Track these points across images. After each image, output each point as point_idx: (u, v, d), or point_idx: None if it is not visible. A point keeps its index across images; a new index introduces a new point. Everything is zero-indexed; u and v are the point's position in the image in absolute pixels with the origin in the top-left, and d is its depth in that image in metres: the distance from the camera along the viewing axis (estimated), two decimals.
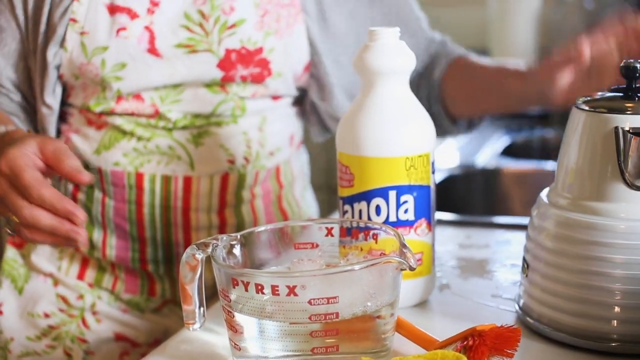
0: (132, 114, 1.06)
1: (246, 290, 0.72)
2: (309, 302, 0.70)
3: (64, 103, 1.09)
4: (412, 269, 0.73)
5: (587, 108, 0.82)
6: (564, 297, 0.82)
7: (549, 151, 1.75)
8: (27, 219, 0.85)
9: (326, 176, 1.73)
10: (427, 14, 1.23)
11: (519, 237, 1.13)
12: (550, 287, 0.83)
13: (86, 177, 0.87)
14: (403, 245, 0.75)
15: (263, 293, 0.71)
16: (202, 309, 0.81)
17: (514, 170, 1.56)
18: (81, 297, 1.13)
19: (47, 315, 1.13)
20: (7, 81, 1.07)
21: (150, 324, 1.14)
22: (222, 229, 1.11)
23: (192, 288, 0.80)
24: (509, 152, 1.72)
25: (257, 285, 0.71)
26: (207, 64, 1.04)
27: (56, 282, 1.13)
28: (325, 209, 1.38)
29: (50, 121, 1.06)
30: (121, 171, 1.08)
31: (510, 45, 2.03)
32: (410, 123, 0.88)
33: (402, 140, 0.87)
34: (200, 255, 0.79)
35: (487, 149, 1.72)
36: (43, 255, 1.13)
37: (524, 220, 1.20)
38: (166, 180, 1.08)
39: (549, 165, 1.59)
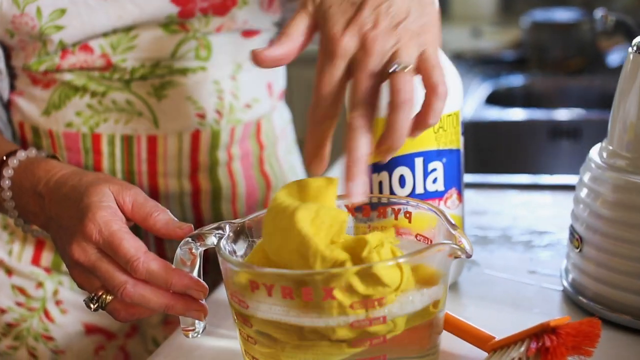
0: (81, 69, 0.91)
1: (269, 294, 0.58)
2: (351, 306, 0.57)
3: (8, 66, 0.93)
4: (469, 255, 0.60)
5: None
6: (625, 274, 0.71)
7: (534, 98, 1.65)
8: (132, 297, 0.69)
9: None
10: None
11: (537, 199, 1.02)
12: (608, 262, 0.71)
13: (185, 230, 0.70)
14: (451, 225, 0.62)
15: (292, 298, 0.57)
16: None
17: (504, 121, 1.44)
18: (40, 285, 0.97)
19: (3, 311, 0.97)
20: None
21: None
22: (195, 196, 0.97)
23: None
24: (492, 100, 1.60)
25: (284, 289, 0.57)
26: None
27: (9, 271, 0.97)
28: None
29: (2, 87, 0.90)
30: (75, 133, 0.92)
31: None
32: None
33: None
34: (198, 250, 0.65)
35: (471, 99, 1.59)
36: None
37: (534, 179, 1.09)
38: (127, 141, 0.93)
39: (538, 114, 1.48)
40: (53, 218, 0.77)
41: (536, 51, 1.83)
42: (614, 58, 1.79)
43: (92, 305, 0.72)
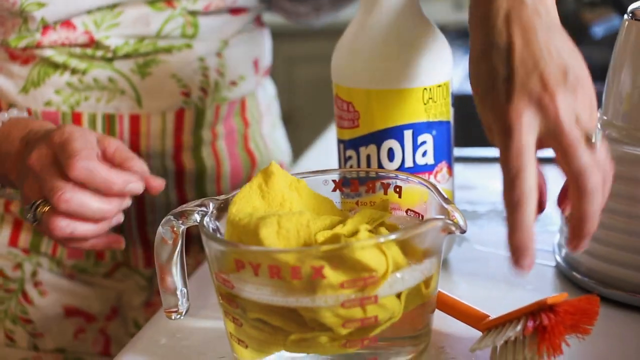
0: (62, 45, 0.87)
1: (256, 274, 0.55)
2: (341, 285, 0.54)
3: None
4: (463, 230, 0.58)
5: None
6: (621, 248, 0.69)
7: None
8: (68, 203, 0.68)
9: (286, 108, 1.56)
10: None
11: None
12: (603, 236, 0.69)
13: (158, 183, 0.73)
14: (444, 199, 0.60)
15: (280, 277, 0.55)
16: (185, 292, 0.65)
17: None
18: (18, 266, 0.94)
19: None
20: None
21: (102, 290, 0.97)
22: (179, 176, 0.94)
23: (171, 268, 0.64)
24: None
25: (271, 267, 0.54)
26: None
27: None
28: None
29: None
30: (54, 112, 0.89)
31: None
32: (427, 45, 0.71)
33: (419, 67, 0.70)
34: (181, 228, 0.63)
35: (454, 72, 1.56)
36: None
37: None
38: (109, 120, 0.90)
39: None
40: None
41: None
42: (598, 30, 1.77)
43: (28, 216, 0.71)
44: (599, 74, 1.38)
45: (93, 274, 0.96)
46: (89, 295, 0.96)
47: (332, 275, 0.54)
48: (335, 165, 0.78)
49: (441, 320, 0.64)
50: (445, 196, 0.60)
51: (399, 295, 0.56)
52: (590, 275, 0.71)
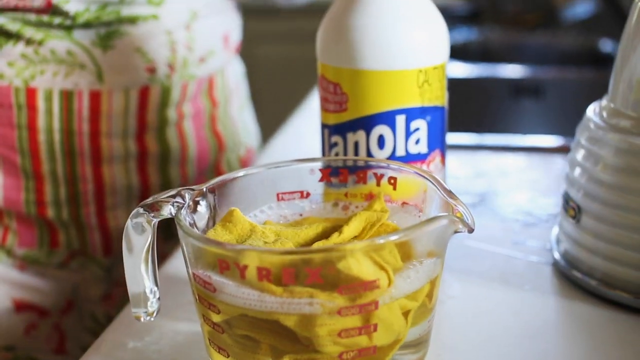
0: (15, 9, 0.79)
1: (243, 277, 0.49)
2: (339, 291, 0.48)
3: None
4: (471, 230, 0.52)
5: None
6: (627, 247, 0.64)
7: (490, 53, 1.58)
8: None
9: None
10: None
11: (510, 162, 0.95)
12: (607, 233, 0.64)
13: None
14: (447, 192, 0.54)
15: (270, 280, 0.48)
16: (155, 291, 0.58)
17: (460, 78, 1.37)
18: None
19: None
20: None
21: (55, 282, 0.90)
22: (142, 159, 0.87)
23: (140, 265, 0.57)
24: (453, 55, 1.52)
25: (260, 270, 0.48)
26: None
27: None
28: None
29: None
30: (6, 86, 0.82)
31: None
32: (423, 23, 0.65)
33: (414, 47, 0.64)
34: (152, 221, 0.56)
35: None
36: None
37: (506, 139, 1.02)
38: (67, 96, 0.82)
39: (495, 70, 1.41)
40: None
41: (490, 4, 1.76)
42: (570, 13, 1.73)
43: None
44: (570, 58, 1.33)
45: (46, 265, 0.89)
46: (41, 288, 0.89)
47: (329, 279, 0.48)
48: (308, 152, 0.71)
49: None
50: (449, 189, 0.55)
51: (405, 314, 0.50)
52: (592, 275, 0.66)
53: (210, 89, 0.92)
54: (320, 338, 0.48)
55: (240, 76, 1.01)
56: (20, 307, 0.88)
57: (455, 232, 0.52)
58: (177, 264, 0.73)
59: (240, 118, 1.00)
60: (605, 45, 1.48)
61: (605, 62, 1.46)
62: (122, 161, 0.86)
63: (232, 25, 0.95)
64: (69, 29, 0.81)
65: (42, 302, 0.89)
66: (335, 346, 0.49)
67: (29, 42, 0.81)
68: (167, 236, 0.90)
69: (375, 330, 0.50)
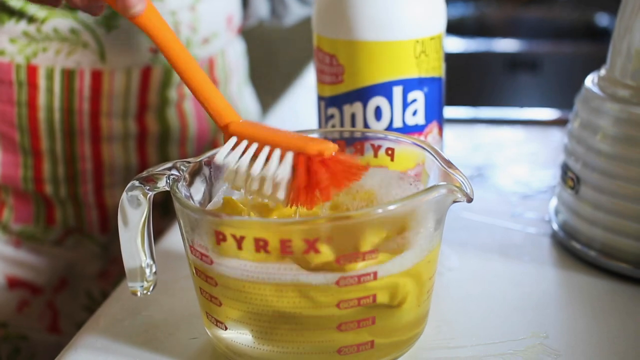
0: None
1: (239, 248, 0.48)
2: (337, 261, 0.48)
3: None
4: (470, 199, 0.52)
5: None
6: (626, 217, 0.63)
7: (486, 28, 1.57)
8: None
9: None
10: None
11: (507, 135, 0.95)
12: (606, 204, 0.64)
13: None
14: (446, 162, 0.54)
15: (267, 252, 0.48)
16: (152, 265, 0.58)
17: (457, 53, 1.36)
18: None
19: None
20: None
21: (50, 259, 0.89)
22: (141, 138, 0.86)
23: (135, 239, 0.57)
24: (449, 30, 1.52)
25: (257, 241, 0.48)
26: None
27: None
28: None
29: None
30: (8, 63, 0.81)
31: None
32: None
33: (411, 17, 0.64)
34: (148, 194, 0.55)
35: None
36: None
37: (503, 112, 1.02)
38: (68, 75, 0.82)
39: (492, 44, 1.40)
40: None
41: None
42: None
43: None
44: (566, 32, 1.32)
45: (42, 241, 0.88)
46: (35, 265, 0.89)
47: (327, 249, 0.47)
48: (305, 125, 0.71)
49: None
50: (448, 159, 0.54)
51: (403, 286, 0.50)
52: (591, 246, 0.66)
53: (211, 69, 0.92)
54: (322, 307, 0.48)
55: (240, 55, 1.00)
56: (13, 283, 0.88)
57: (454, 201, 0.51)
58: (174, 239, 0.72)
59: (240, 97, 0.99)
60: (602, 19, 1.48)
61: (601, 36, 1.45)
62: (121, 140, 0.86)
63: (235, 7, 0.94)
64: (73, 7, 0.80)
65: (35, 279, 0.89)
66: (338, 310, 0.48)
67: (31, 19, 0.80)
68: (164, 213, 0.89)
69: (374, 301, 0.49)
